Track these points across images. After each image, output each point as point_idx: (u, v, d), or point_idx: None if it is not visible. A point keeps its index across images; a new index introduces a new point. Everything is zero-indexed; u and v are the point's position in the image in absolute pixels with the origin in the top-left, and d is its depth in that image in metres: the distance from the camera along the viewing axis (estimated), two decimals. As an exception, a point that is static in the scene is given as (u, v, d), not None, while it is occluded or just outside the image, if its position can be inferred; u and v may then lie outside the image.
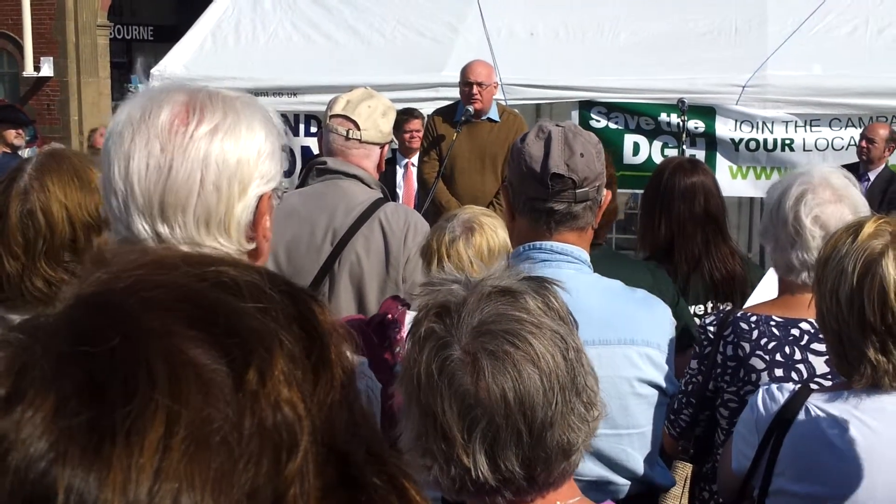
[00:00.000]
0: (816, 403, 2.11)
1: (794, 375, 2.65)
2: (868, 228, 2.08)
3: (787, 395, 2.16)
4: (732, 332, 2.71)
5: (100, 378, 0.57)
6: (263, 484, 0.57)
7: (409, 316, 2.87)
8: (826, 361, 2.64)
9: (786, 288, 2.79)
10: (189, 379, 0.57)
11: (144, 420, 0.56)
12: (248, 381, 0.59)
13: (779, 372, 2.66)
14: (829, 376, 2.63)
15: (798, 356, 2.66)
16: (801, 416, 2.11)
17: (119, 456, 0.54)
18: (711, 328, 2.76)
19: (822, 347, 2.65)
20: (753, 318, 2.72)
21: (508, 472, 1.34)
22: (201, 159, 1.46)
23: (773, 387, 2.22)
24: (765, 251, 3.00)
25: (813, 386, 2.43)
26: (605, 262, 3.08)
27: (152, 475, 0.54)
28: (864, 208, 2.69)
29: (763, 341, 2.68)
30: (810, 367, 2.65)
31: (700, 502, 2.96)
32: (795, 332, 2.68)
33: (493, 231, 2.86)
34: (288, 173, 8.86)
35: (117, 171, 1.48)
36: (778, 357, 2.66)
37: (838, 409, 2.09)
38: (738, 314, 2.76)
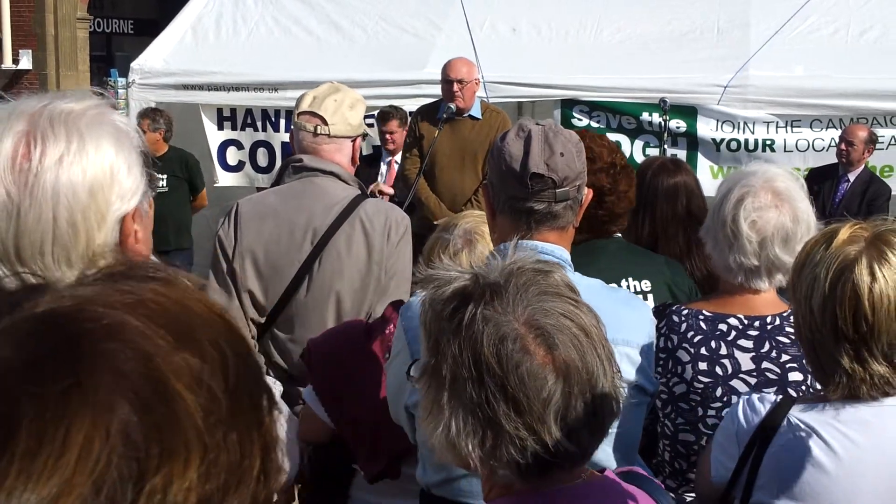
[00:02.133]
0: (798, 415, 2.07)
1: (717, 370, 2.65)
2: (843, 234, 2.04)
3: (768, 405, 2.12)
4: (665, 325, 2.72)
5: (19, 419, 0.57)
6: None
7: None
8: (752, 358, 2.65)
9: (723, 286, 2.79)
10: (98, 459, 0.57)
11: (38, 479, 0.56)
12: (151, 482, 0.59)
13: (703, 365, 2.66)
14: (754, 373, 2.65)
15: (724, 351, 2.66)
16: (783, 428, 2.07)
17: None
18: None
19: (748, 344, 2.67)
20: (685, 312, 2.73)
21: (579, 444, 1.40)
22: (50, 197, 1.38)
23: (755, 397, 2.18)
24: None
25: (792, 393, 2.42)
26: (623, 254, 3.07)
27: None
28: (805, 215, 2.65)
29: (690, 334, 2.69)
30: (735, 363, 2.65)
31: None
32: (723, 326, 2.68)
33: None
34: (267, 169, 8.83)
35: None
36: (703, 351, 2.67)
37: (819, 420, 2.05)
38: (674, 307, 2.77)
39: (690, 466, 2.69)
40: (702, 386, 2.66)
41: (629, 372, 2.26)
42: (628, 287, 3.02)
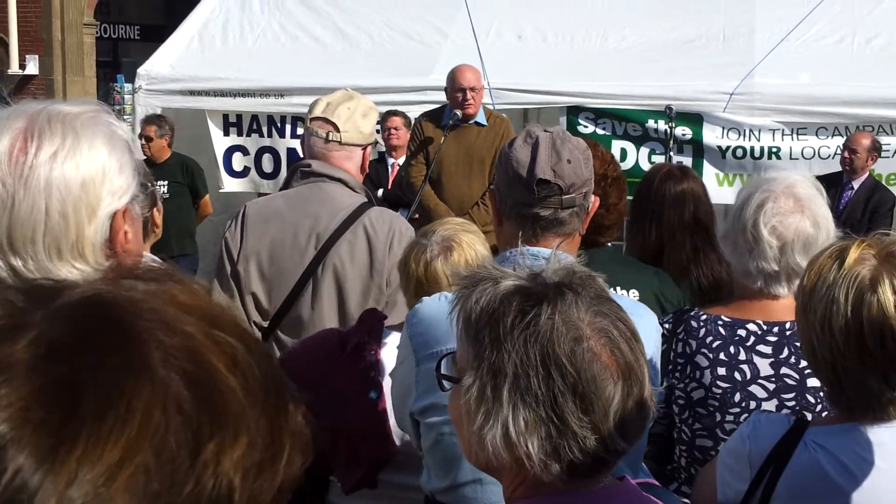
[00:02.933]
0: (814, 438, 2.04)
1: (736, 375, 2.65)
2: (853, 254, 2.00)
3: (781, 427, 2.09)
4: (683, 331, 2.72)
5: (82, 387, 0.60)
6: None
7: (392, 336, 2.81)
8: (770, 364, 2.64)
9: (741, 292, 2.78)
10: (158, 426, 0.61)
11: (106, 443, 0.59)
12: (206, 451, 0.63)
13: (721, 371, 2.65)
14: (773, 378, 2.63)
15: (742, 356, 2.65)
16: (799, 450, 2.03)
17: (71, 464, 0.58)
18: (667, 326, 2.77)
19: (767, 349, 2.65)
20: (703, 317, 2.72)
21: (629, 444, 1.45)
22: (43, 189, 1.45)
23: (765, 417, 2.15)
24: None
25: (811, 399, 2.39)
26: (613, 264, 3.06)
27: (92, 493, 0.58)
28: (826, 221, 2.65)
29: (709, 339, 2.68)
30: (754, 368, 2.64)
31: None
32: (742, 332, 2.67)
33: (472, 248, 2.81)
34: (272, 175, 8.85)
35: None
36: (721, 356, 2.66)
37: (837, 443, 2.01)
38: (692, 313, 2.76)
39: None
40: (720, 391, 2.66)
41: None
42: None
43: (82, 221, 1.48)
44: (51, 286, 0.69)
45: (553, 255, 1.59)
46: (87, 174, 1.49)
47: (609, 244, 3.22)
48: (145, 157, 8.28)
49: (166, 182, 8.49)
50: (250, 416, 0.67)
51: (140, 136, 8.40)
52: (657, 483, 1.87)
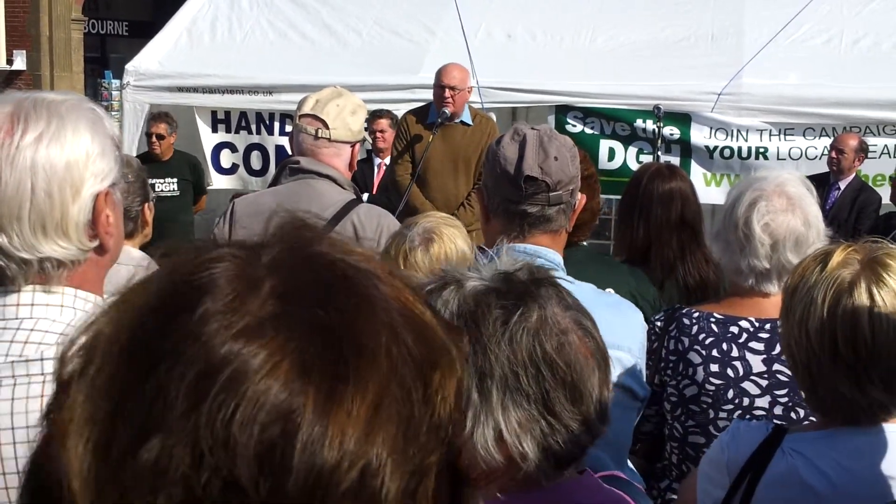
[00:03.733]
0: (792, 445, 2.03)
1: (729, 372, 2.67)
2: (837, 257, 1.99)
3: (760, 434, 2.08)
4: (676, 328, 2.75)
5: (337, 331, 0.64)
6: (420, 463, 0.66)
7: None
8: (763, 360, 2.66)
9: (732, 289, 2.81)
10: (397, 363, 0.66)
11: (367, 381, 0.63)
12: (433, 381, 0.68)
13: (714, 367, 2.67)
14: (766, 375, 2.65)
15: (735, 353, 2.67)
16: (777, 457, 2.02)
17: (347, 404, 0.62)
18: (659, 323, 2.80)
19: (759, 346, 2.68)
20: (696, 315, 2.75)
21: (605, 426, 1.51)
22: (29, 168, 1.51)
23: (744, 425, 2.15)
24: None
25: (780, 422, 2.39)
26: (588, 263, 3.07)
27: (363, 428, 0.62)
28: (815, 219, 2.68)
29: (701, 336, 2.70)
30: (747, 365, 2.66)
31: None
32: (734, 329, 2.70)
33: (452, 241, 2.83)
34: (261, 172, 8.83)
35: None
36: (714, 353, 2.68)
37: (814, 450, 2.00)
38: (684, 310, 2.78)
39: None
40: (713, 388, 2.67)
41: (621, 376, 2.26)
42: None
43: (66, 200, 1.53)
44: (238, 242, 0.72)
45: (503, 251, 1.59)
46: (71, 156, 1.54)
47: (584, 243, 3.22)
48: (152, 155, 8.27)
49: (175, 179, 8.46)
50: (449, 344, 0.71)
51: (148, 134, 8.35)
52: (624, 476, 1.87)
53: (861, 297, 1.93)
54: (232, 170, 8.99)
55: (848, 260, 1.99)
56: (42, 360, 1.47)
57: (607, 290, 3.06)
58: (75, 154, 1.54)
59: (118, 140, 1.65)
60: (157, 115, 8.44)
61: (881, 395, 1.95)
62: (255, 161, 8.93)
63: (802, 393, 2.13)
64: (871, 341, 1.92)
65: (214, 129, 8.91)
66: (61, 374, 0.67)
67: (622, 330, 2.29)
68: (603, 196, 3.32)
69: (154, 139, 8.30)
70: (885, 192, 8.02)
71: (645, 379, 2.36)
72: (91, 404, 0.62)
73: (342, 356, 0.63)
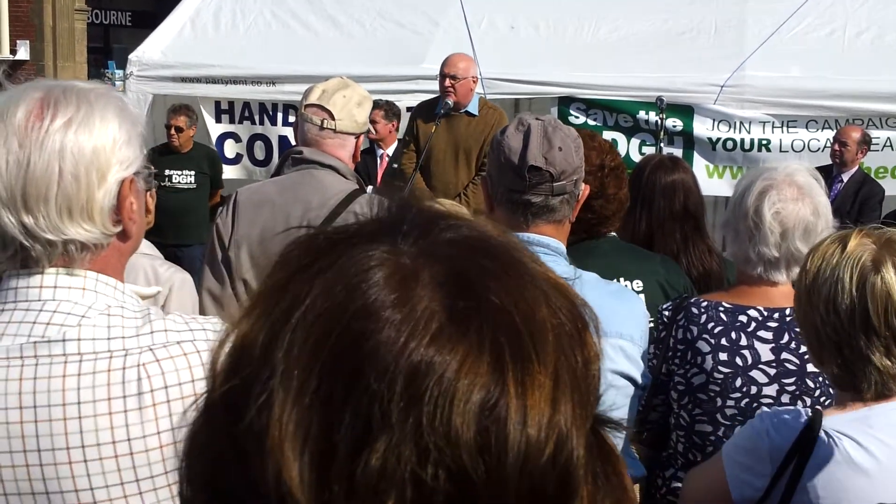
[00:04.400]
0: (834, 426, 2.09)
1: (737, 360, 2.69)
2: (854, 240, 2.09)
3: (798, 420, 2.13)
4: (684, 317, 2.76)
5: (507, 312, 0.67)
6: (590, 423, 0.70)
7: None
8: (771, 349, 2.68)
9: (742, 279, 2.83)
10: (563, 328, 0.70)
11: (545, 353, 0.67)
12: (588, 347, 0.72)
13: (723, 356, 2.69)
14: (774, 364, 2.67)
15: (744, 342, 2.69)
16: (822, 441, 2.08)
17: (538, 383, 0.66)
18: (667, 312, 2.81)
19: (768, 335, 2.70)
20: (704, 304, 2.77)
21: None
22: (57, 151, 1.54)
23: (777, 413, 2.19)
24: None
25: (810, 384, 2.39)
26: (616, 253, 3.08)
27: (551, 402, 0.66)
28: (824, 208, 2.72)
29: (710, 325, 2.72)
30: (755, 353, 2.68)
31: (654, 488, 2.97)
32: (743, 318, 2.72)
33: None
34: (264, 162, 8.84)
35: None
36: (723, 342, 2.70)
37: (854, 428, 2.07)
38: (692, 300, 2.80)
39: (705, 458, 2.71)
40: (721, 376, 2.69)
41: (622, 364, 2.28)
42: None
43: (93, 184, 1.56)
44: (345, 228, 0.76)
45: None
46: (98, 142, 1.57)
47: (612, 234, 3.24)
48: (171, 147, 8.29)
49: (193, 172, 8.45)
50: (585, 303, 0.75)
51: (168, 126, 8.35)
52: None
53: (889, 273, 2.04)
54: (236, 160, 9.00)
55: (863, 242, 2.09)
56: (64, 341, 1.49)
57: (636, 282, 3.07)
58: (102, 140, 1.57)
59: (143, 130, 1.68)
60: (177, 108, 8.43)
61: None
62: (259, 151, 8.93)
63: (827, 374, 2.20)
64: None
65: (218, 120, 8.91)
66: (215, 382, 0.71)
67: (624, 318, 2.30)
68: (606, 187, 3.32)
69: (173, 131, 8.31)
70: (887, 185, 8.03)
71: (646, 367, 2.37)
72: (299, 419, 0.65)
73: (522, 336, 0.67)
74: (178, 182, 8.31)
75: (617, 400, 2.27)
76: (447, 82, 6.83)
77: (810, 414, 2.14)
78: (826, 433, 2.08)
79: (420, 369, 0.64)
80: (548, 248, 2.27)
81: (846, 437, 2.07)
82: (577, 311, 0.73)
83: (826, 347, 2.12)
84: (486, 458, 0.64)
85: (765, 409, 2.47)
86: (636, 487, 3.13)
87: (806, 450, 2.08)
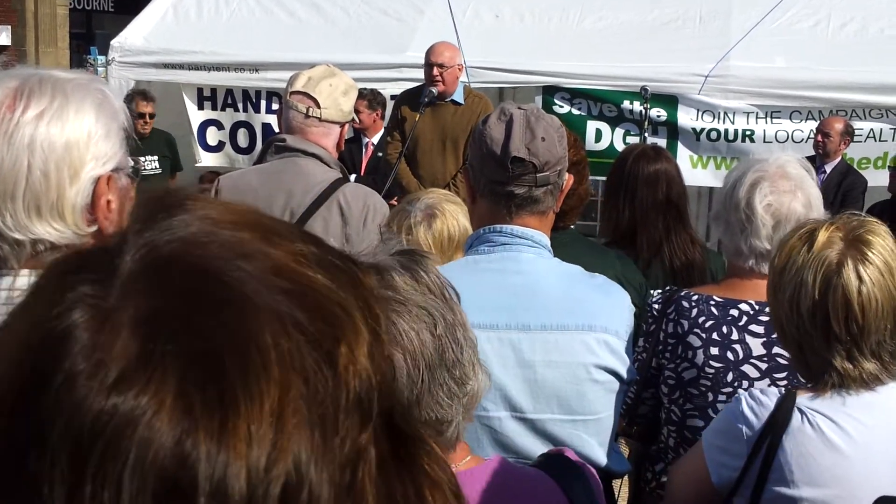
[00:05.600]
0: (807, 404, 2.09)
1: (729, 355, 2.67)
2: (821, 237, 2.08)
3: (772, 398, 2.13)
4: (674, 311, 2.75)
5: (214, 351, 0.58)
6: (350, 452, 0.61)
7: None
8: (763, 343, 2.67)
9: (733, 271, 2.82)
10: (291, 353, 0.59)
11: (262, 393, 0.57)
12: (341, 356, 0.62)
13: (714, 350, 2.68)
14: (765, 358, 2.66)
15: (735, 336, 2.68)
16: (796, 418, 2.08)
17: (243, 430, 0.56)
18: (657, 306, 2.79)
19: (760, 329, 2.69)
20: (695, 297, 2.75)
21: None
22: (27, 145, 1.47)
23: (756, 392, 2.18)
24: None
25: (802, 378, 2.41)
26: (574, 246, 3.07)
27: (270, 444, 0.57)
28: (816, 200, 2.71)
29: (701, 319, 2.70)
30: (746, 348, 2.67)
31: (643, 482, 2.96)
32: (734, 312, 2.70)
33: (454, 218, 2.84)
34: (247, 150, 8.79)
35: None
36: (714, 336, 2.69)
37: (828, 407, 2.08)
38: (682, 293, 2.78)
39: None
40: (713, 371, 2.68)
41: (606, 359, 2.25)
42: None
43: (63, 182, 1.49)
44: (62, 258, 0.65)
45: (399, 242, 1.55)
46: (71, 136, 1.50)
47: (571, 227, 3.22)
48: (137, 134, 8.20)
49: (156, 157, 8.42)
50: (352, 304, 0.65)
51: (139, 114, 8.25)
52: (573, 458, 1.86)
53: (849, 277, 2.04)
54: (218, 147, 8.95)
55: (832, 239, 2.08)
56: None
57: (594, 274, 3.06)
58: (76, 134, 1.50)
59: (126, 123, 1.60)
60: (138, 92, 8.34)
61: (872, 366, 2.08)
62: (242, 139, 8.88)
63: (792, 360, 2.22)
64: (862, 318, 2.04)
65: (200, 107, 8.86)
66: None
67: (608, 312, 2.28)
68: (590, 177, 3.32)
69: (147, 118, 8.24)
70: (877, 177, 8.04)
71: (631, 362, 2.35)
72: None
73: (225, 376, 0.57)
74: (144, 168, 8.26)
75: (598, 395, 2.26)
76: (435, 71, 6.79)
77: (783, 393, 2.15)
78: (800, 410, 2.09)
79: (88, 437, 0.55)
80: (531, 240, 2.25)
81: (820, 414, 2.07)
82: (331, 319, 0.63)
83: (790, 343, 2.15)
84: None
85: (741, 391, 2.46)
86: (622, 482, 3.12)
87: (779, 428, 2.08)
